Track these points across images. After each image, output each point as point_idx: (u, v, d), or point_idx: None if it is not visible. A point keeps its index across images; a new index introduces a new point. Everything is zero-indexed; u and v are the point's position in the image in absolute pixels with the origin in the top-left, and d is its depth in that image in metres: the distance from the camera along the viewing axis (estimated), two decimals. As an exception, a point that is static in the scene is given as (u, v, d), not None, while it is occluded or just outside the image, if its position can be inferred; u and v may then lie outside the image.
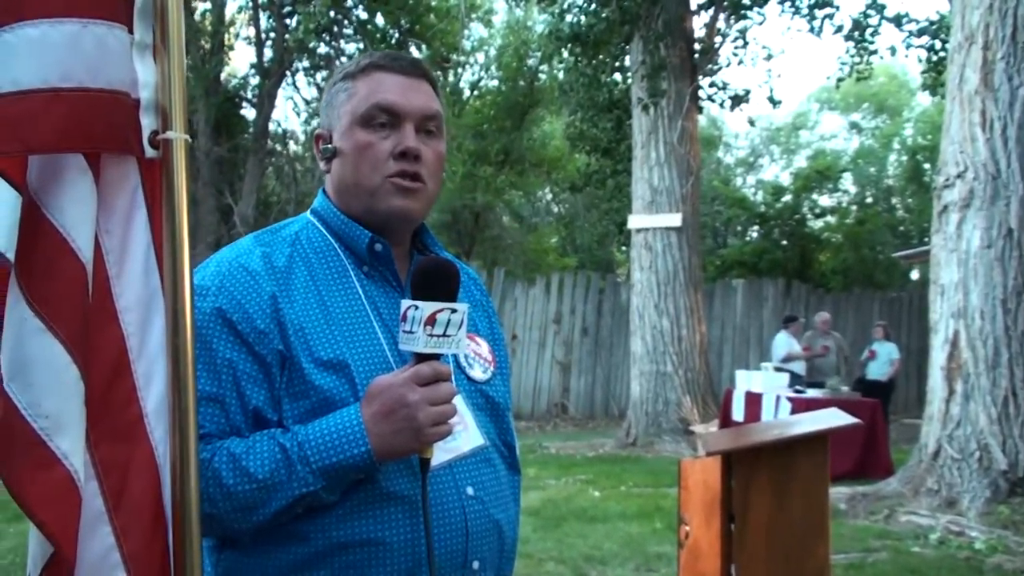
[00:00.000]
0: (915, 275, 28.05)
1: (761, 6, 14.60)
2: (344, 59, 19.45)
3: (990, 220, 8.34)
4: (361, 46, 18.71)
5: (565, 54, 15.20)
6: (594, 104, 16.19)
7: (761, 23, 14.68)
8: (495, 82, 26.39)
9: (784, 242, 26.02)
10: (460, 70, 25.53)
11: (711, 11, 14.42)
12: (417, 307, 1.50)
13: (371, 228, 1.71)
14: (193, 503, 1.39)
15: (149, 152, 1.41)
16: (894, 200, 31.80)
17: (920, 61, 15.05)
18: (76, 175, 1.31)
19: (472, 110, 25.61)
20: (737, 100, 15.18)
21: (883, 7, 14.61)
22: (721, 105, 15.27)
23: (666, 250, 13.45)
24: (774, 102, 15.70)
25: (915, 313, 19.28)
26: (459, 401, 1.64)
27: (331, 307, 1.65)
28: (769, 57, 15.46)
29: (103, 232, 1.37)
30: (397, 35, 18.80)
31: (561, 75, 19.66)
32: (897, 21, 14.73)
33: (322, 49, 19.56)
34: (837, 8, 14.95)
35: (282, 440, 1.53)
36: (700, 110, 14.84)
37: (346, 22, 19.29)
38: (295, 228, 1.77)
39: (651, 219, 13.51)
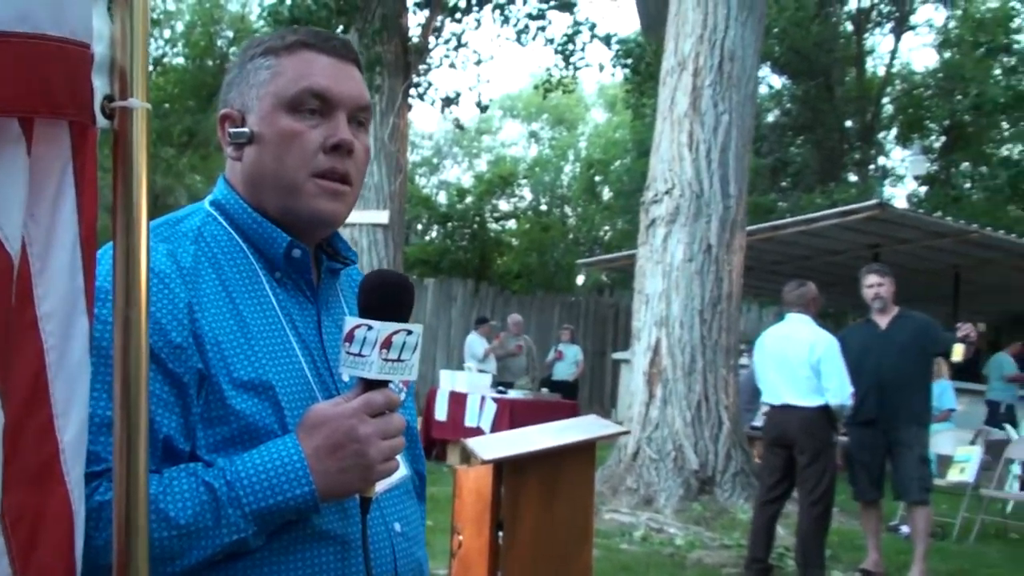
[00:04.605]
0: (580, 279, 29.76)
1: (478, 11, 14.85)
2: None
3: (692, 236, 8.97)
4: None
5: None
6: (302, 92, 15.75)
7: (476, 28, 14.90)
8: (181, 60, 25.01)
9: (464, 243, 26.66)
10: (144, 43, 24.00)
11: (427, 11, 14.47)
12: (371, 327, 1.30)
13: (284, 228, 1.48)
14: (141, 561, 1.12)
15: (101, 122, 1.12)
16: (567, 208, 33.54)
17: (626, 80, 15.91)
18: (8, 145, 0.98)
19: (154, 87, 24.05)
20: (448, 102, 15.32)
21: (594, 25, 15.33)
22: (432, 104, 15.38)
23: (372, 247, 13.34)
24: (482, 107, 16.04)
25: (590, 316, 20.48)
26: None
27: (247, 318, 1.41)
28: (479, 62, 15.75)
29: (28, 218, 1.05)
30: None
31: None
32: (607, 40, 15.51)
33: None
34: (549, 22, 15.49)
35: (207, 478, 1.29)
36: (410, 108, 14.89)
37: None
38: (195, 222, 1.49)
39: (359, 215, 13.32)
